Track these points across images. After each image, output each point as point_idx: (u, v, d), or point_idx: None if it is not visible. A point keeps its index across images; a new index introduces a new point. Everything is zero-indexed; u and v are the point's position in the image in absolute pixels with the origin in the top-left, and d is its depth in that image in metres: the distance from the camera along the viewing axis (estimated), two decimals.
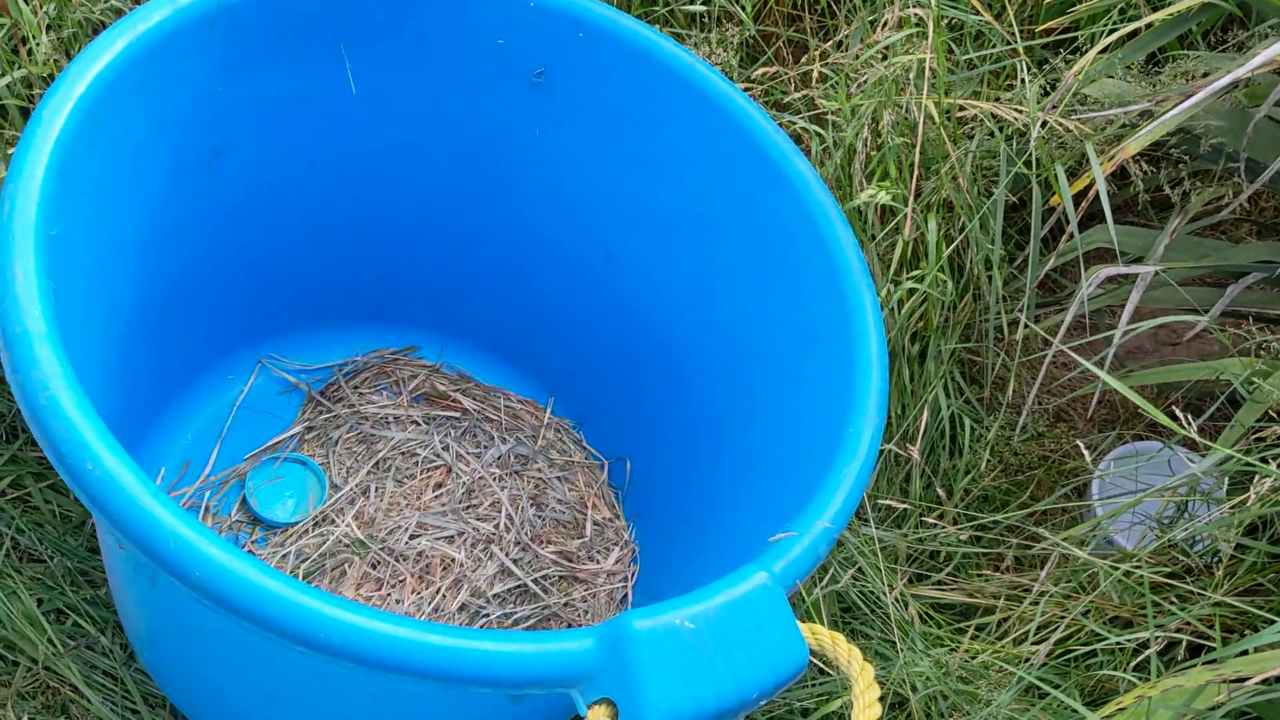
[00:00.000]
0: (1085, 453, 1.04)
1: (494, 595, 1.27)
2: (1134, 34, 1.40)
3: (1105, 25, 1.44)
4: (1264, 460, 1.11)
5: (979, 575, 1.31)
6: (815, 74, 1.50)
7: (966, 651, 1.13)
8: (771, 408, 1.18)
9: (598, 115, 1.25)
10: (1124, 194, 1.59)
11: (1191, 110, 1.13)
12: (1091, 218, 1.66)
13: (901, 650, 1.10)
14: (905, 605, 1.23)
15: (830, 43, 1.60)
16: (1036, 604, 1.20)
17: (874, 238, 1.38)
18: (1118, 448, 1.47)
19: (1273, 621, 0.91)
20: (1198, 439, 1.04)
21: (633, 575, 1.36)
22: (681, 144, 1.22)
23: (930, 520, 1.31)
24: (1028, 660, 1.11)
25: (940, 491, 1.32)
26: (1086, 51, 1.49)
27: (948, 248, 1.40)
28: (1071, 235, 1.29)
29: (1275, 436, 1.09)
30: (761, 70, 1.53)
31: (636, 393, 1.42)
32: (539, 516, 1.36)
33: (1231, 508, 1.07)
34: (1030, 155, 1.32)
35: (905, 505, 1.33)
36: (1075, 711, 1.04)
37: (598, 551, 1.36)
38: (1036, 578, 1.27)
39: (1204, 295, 1.41)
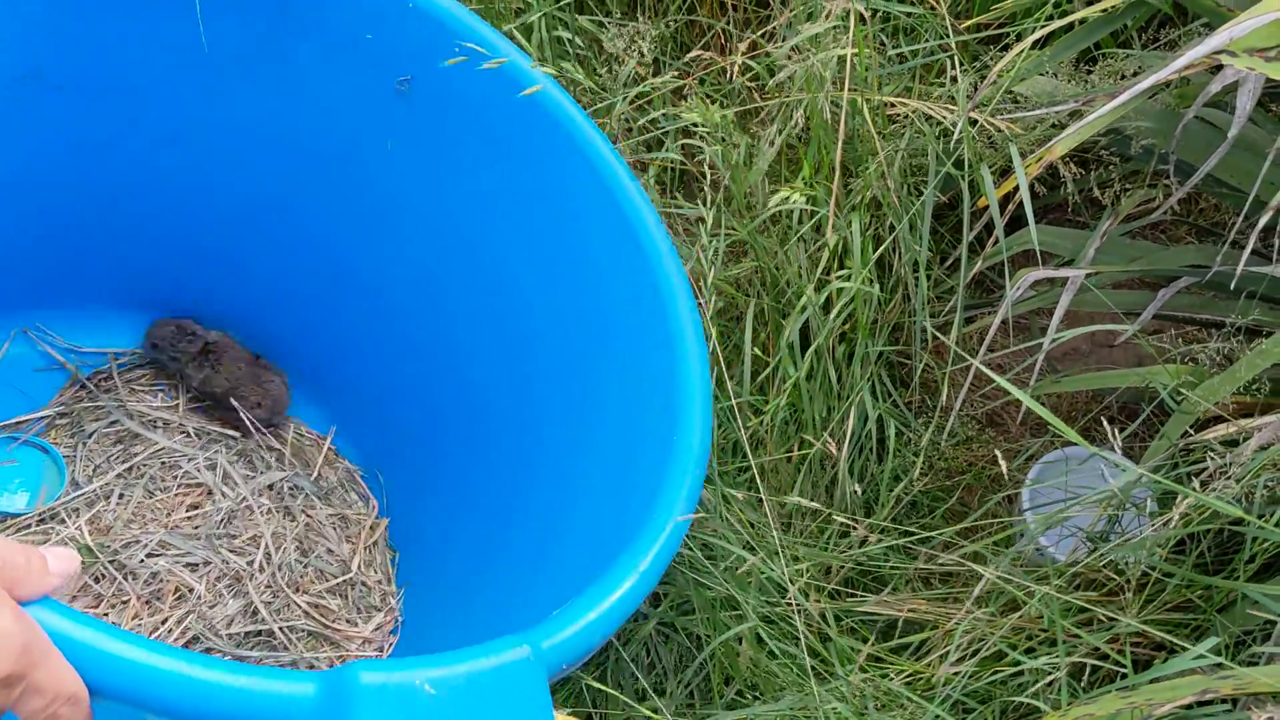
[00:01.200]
0: (1002, 463, 1.00)
1: (229, 634, 1.14)
2: (1070, 29, 1.36)
3: (1038, 20, 1.40)
4: (1189, 476, 1.08)
5: (906, 586, 1.27)
6: (736, 67, 1.45)
7: (884, 676, 1.09)
8: (584, 475, 1.09)
9: (451, 140, 1.16)
10: (1055, 196, 1.55)
11: (1119, 111, 1.09)
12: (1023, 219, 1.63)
13: (813, 679, 1.06)
14: (826, 621, 1.19)
15: (761, 33, 1.55)
16: (962, 625, 1.16)
17: (800, 238, 1.33)
18: (1049, 453, 1.43)
19: (1186, 648, 0.88)
20: (1116, 451, 1.00)
21: (389, 647, 1.23)
22: (532, 186, 1.14)
23: (853, 526, 1.27)
24: (948, 683, 1.07)
25: (858, 494, 1.28)
26: (1006, 45, 1.46)
27: (876, 249, 1.36)
28: (999, 238, 1.25)
29: (1202, 448, 1.05)
30: (695, 54, 1.48)
31: (435, 448, 1.32)
32: (301, 562, 1.23)
33: (1155, 528, 1.04)
34: (959, 155, 1.28)
35: (828, 511, 1.29)
36: None
37: (358, 614, 1.24)
38: (964, 592, 1.23)
39: (1137, 298, 1.38)
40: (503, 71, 1.08)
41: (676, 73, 1.51)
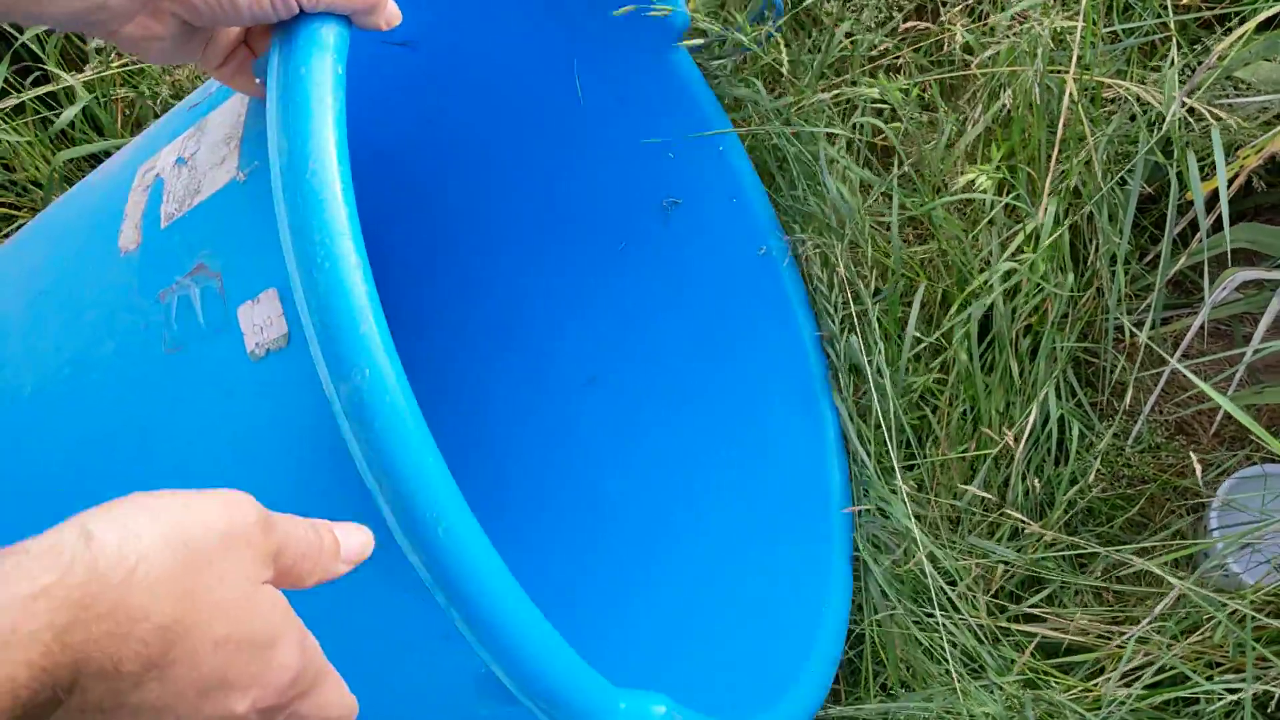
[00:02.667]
0: (1197, 468, 0.93)
1: None
2: None
3: (1269, 0, 1.29)
4: None
5: (1075, 601, 1.21)
6: (956, 37, 1.38)
7: (1046, 687, 1.03)
8: None
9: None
10: (1276, 194, 1.44)
11: None
12: (1242, 214, 1.51)
13: (966, 678, 1.01)
14: (994, 640, 1.13)
15: (961, 7, 1.48)
16: (1142, 641, 1.10)
17: (990, 221, 1.27)
18: (1244, 468, 1.33)
19: None
20: None
21: None
22: None
23: (1024, 524, 1.21)
24: (1118, 702, 1.01)
25: (1035, 490, 1.21)
26: (1247, 33, 1.36)
27: (1071, 238, 1.28)
28: (1208, 233, 1.16)
29: None
30: (908, 25, 1.42)
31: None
32: None
33: None
34: (1168, 143, 1.19)
35: (1001, 510, 1.23)
36: None
37: None
38: (1136, 612, 1.16)
39: None
40: None
41: (884, 44, 1.45)
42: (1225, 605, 0.99)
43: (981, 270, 1.21)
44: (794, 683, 1.11)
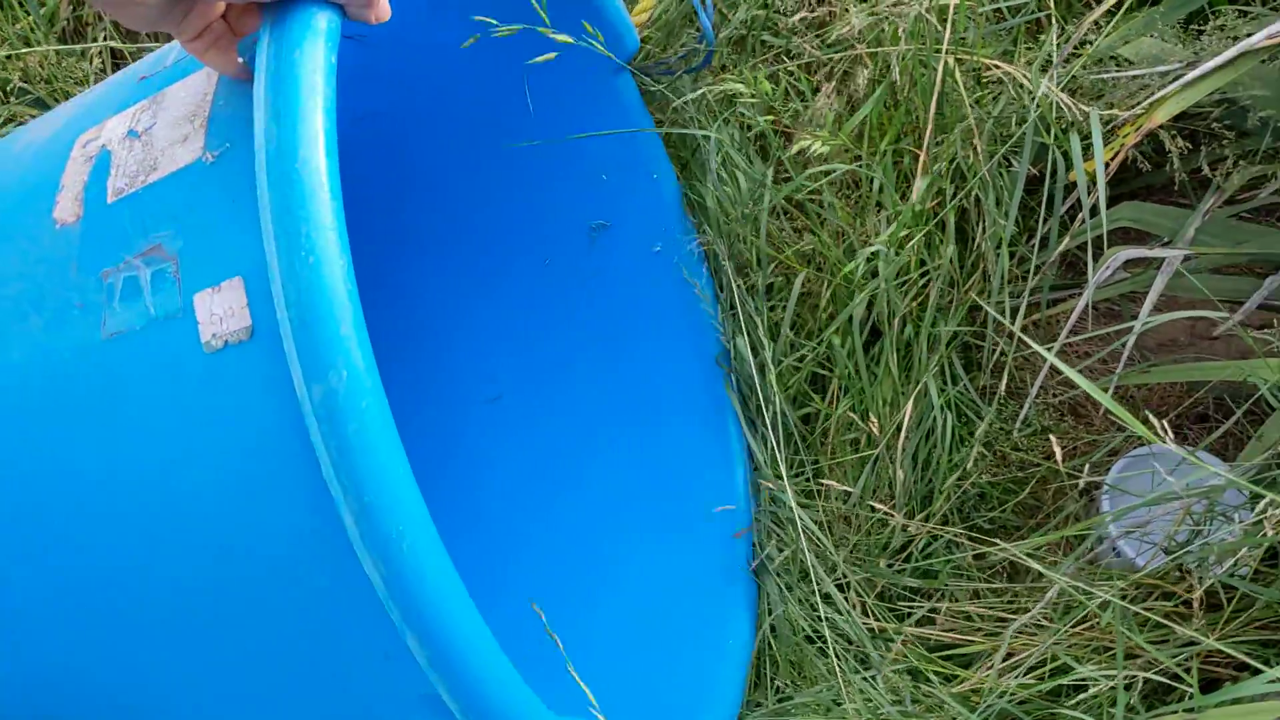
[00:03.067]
0: (1058, 451, 0.91)
1: None
2: None
3: None
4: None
5: (965, 593, 1.18)
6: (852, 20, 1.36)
7: (925, 680, 1.00)
8: None
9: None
10: (1161, 175, 1.43)
11: (1226, 75, 0.98)
12: (1133, 194, 1.51)
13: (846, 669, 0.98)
14: (886, 644, 1.11)
15: None
16: (1039, 629, 1.08)
17: (880, 205, 1.25)
18: (1135, 449, 1.32)
19: (1260, 671, 0.78)
20: (1182, 447, 0.90)
21: None
22: None
23: (889, 515, 1.19)
24: (1000, 692, 0.99)
25: (903, 481, 1.19)
26: (1130, 7, 1.34)
27: (961, 223, 1.26)
28: (1089, 214, 1.15)
29: None
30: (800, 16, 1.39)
31: None
32: None
33: (1233, 537, 0.94)
34: (1041, 122, 1.17)
35: (870, 505, 1.20)
36: None
37: None
38: (1029, 599, 1.14)
39: (1242, 285, 1.26)
40: None
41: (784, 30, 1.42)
42: (1093, 594, 0.97)
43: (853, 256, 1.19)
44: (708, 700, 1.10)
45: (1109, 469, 1.29)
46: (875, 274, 1.20)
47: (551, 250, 1.46)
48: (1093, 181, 1.12)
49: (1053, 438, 1.01)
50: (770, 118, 1.18)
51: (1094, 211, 1.23)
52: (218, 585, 0.73)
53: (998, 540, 1.17)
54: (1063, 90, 1.22)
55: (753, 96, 1.16)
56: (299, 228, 0.61)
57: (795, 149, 1.08)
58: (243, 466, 0.70)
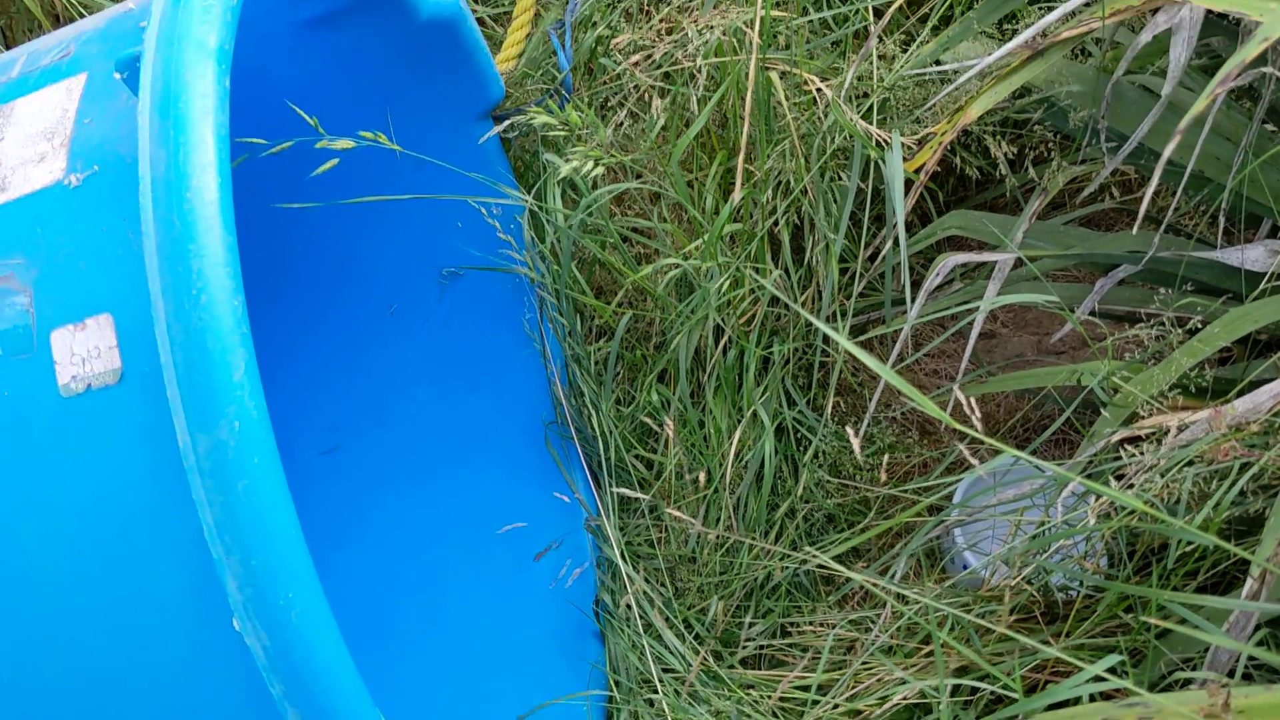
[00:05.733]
0: (883, 475, 0.86)
1: None
2: None
3: None
4: (1118, 477, 0.94)
5: (810, 618, 1.13)
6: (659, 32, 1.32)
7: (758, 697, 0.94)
8: None
9: None
10: (999, 190, 1.42)
11: (1038, 68, 0.96)
12: (959, 201, 1.49)
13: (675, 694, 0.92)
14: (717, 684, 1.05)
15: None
16: (886, 651, 1.03)
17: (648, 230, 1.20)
18: (985, 464, 1.29)
19: (1081, 669, 0.73)
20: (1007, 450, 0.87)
21: None
22: None
23: (758, 544, 1.14)
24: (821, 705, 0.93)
25: (743, 513, 1.14)
26: (950, 16, 1.33)
27: (797, 240, 1.23)
28: (903, 224, 1.11)
29: (1128, 446, 0.91)
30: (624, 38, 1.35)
31: None
32: None
33: (1072, 542, 0.90)
34: (843, 130, 1.14)
35: (736, 536, 1.15)
36: None
37: None
38: (875, 619, 1.09)
39: (1076, 291, 1.24)
40: None
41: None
42: (927, 611, 0.92)
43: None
44: None
45: (958, 484, 1.26)
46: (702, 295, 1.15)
47: (399, 298, 1.40)
48: (907, 192, 1.10)
49: (885, 458, 0.97)
50: (595, 151, 1.13)
51: (926, 221, 1.20)
52: (59, 650, 0.65)
53: (840, 568, 1.12)
54: (887, 95, 1.20)
55: (561, 127, 1.11)
56: (189, 262, 0.56)
57: (565, 170, 1.03)
58: (98, 523, 0.63)
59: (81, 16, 1.25)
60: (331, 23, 1.11)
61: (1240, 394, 0.95)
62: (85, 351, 0.63)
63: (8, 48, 1.15)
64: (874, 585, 0.97)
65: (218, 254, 0.57)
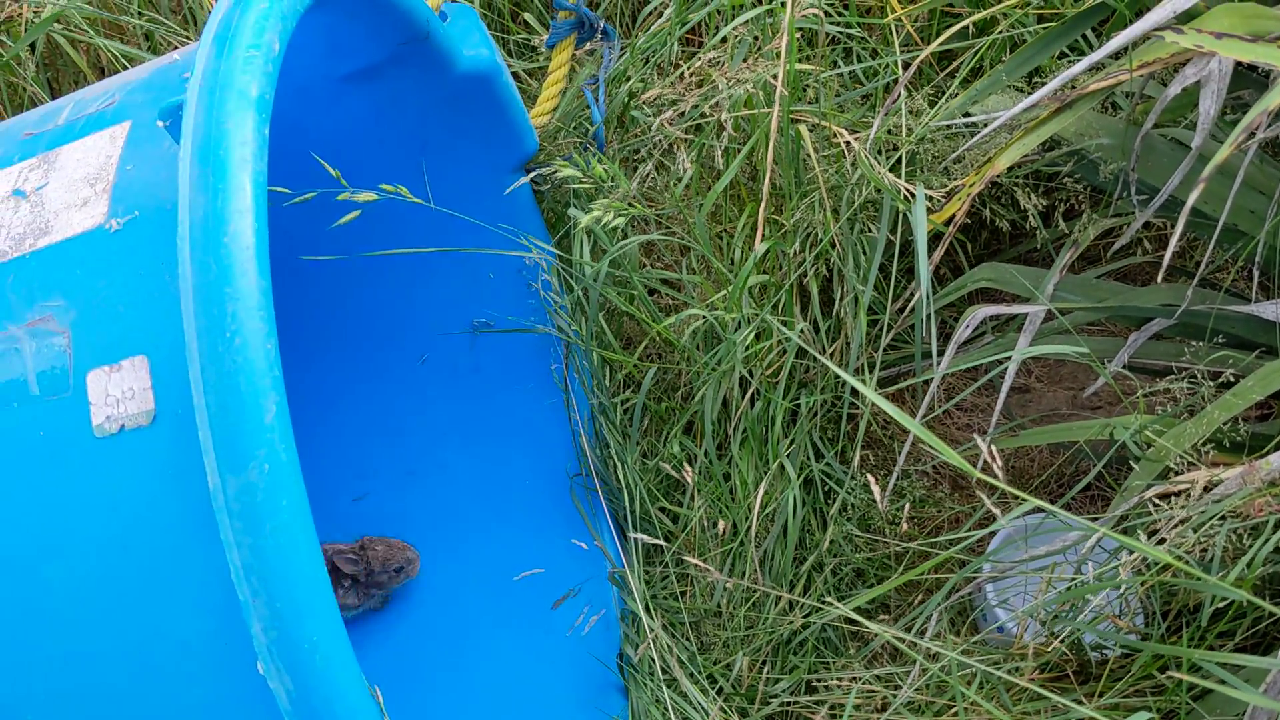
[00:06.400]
0: (904, 526, 0.85)
1: None
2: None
3: (991, 41, 1.28)
4: (1154, 532, 0.92)
5: (836, 671, 1.12)
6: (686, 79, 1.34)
7: None
8: None
9: None
10: (1030, 243, 1.42)
11: (1065, 120, 0.96)
12: (992, 254, 1.49)
13: None
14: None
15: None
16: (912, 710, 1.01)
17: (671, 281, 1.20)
18: (1016, 520, 1.27)
19: None
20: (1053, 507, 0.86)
21: None
22: None
23: (784, 595, 1.12)
24: None
25: (769, 565, 1.13)
26: (980, 70, 1.34)
27: (826, 292, 1.23)
28: (920, 280, 1.11)
29: (1160, 500, 0.90)
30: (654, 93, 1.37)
31: None
32: None
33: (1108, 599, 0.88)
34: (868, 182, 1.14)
35: (762, 588, 1.13)
36: None
37: None
38: (904, 675, 1.07)
39: (1109, 345, 1.23)
40: None
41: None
42: (960, 668, 0.91)
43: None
44: None
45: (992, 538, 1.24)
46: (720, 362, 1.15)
47: (430, 347, 1.41)
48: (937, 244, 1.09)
49: (907, 509, 0.96)
50: (616, 203, 1.14)
51: (957, 273, 1.20)
52: (84, 691, 0.66)
53: (867, 623, 1.10)
54: (915, 148, 1.20)
55: (586, 179, 1.12)
56: (224, 306, 0.57)
57: (585, 221, 1.04)
58: (125, 564, 0.63)
59: (124, 69, 1.28)
60: (369, 76, 1.13)
61: (1276, 449, 0.93)
62: (120, 392, 0.63)
63: (53, 98, 1.17)
64: (900, 640, 0.95)
65: (252, 298, 0.58)
